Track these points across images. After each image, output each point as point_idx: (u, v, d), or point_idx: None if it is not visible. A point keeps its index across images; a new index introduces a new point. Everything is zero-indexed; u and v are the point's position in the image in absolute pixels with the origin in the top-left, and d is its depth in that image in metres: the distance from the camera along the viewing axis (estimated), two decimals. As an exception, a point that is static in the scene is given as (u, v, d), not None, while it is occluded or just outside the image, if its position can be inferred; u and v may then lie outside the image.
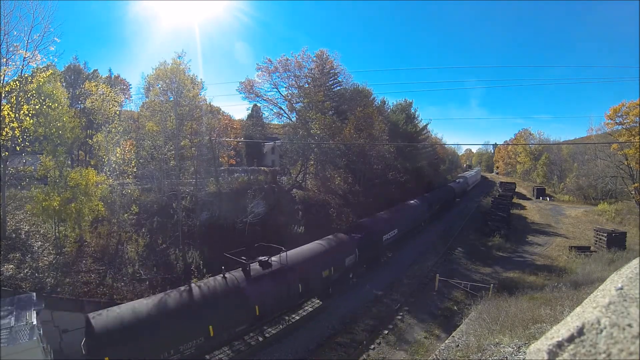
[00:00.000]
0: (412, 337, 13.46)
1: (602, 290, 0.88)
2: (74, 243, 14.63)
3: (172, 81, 18.10)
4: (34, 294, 9.95)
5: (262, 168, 31.98)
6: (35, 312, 8.65)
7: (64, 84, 23.71)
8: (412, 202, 28.57)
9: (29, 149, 13.86)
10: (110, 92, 19.67)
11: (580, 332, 0.74)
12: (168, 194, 18.50)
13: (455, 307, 15.65)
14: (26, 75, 13.87)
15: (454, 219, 34.39)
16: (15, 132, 12.85)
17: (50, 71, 15.11)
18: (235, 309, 11.15)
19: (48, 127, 14.04)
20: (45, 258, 13.55)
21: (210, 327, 10.23)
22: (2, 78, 13.24)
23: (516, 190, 51.94)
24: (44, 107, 13.77)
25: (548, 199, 48.40)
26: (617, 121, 34.74)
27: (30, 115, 13.15)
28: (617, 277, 0.91)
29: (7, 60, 13.29)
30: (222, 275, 11.90)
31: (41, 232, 14.85)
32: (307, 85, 31.36)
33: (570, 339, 0.75)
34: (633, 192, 34.38)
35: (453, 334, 10.40)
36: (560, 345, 0.76)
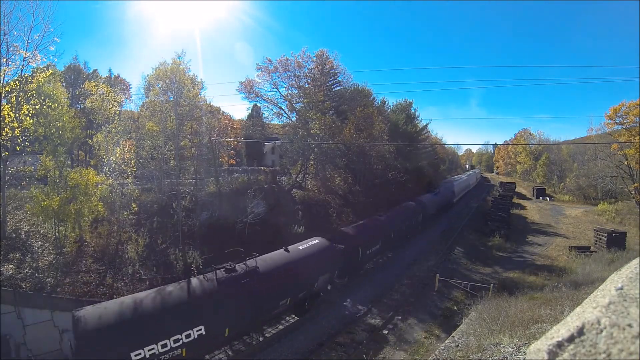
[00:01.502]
0: (412, 337, 13.46)
1: (602, 290, 0.89)
2: (74, 243, 14.61)
3: (172, 81, 18.09)
4: None
5: (262, 168, 31.94)
6: None
7: (64, 84, 23.68)
8: (302, 246, 14.36)
9: (29, 149, 13.83)
10: (110, 92, 19.62)
11: (580, 332, 0.74)
12: (168, 194, 18.47)
13: (455, 307, 15.65)
14: (26, 75, 13.84)
15: (452, 219, 34.37)
16: (15, 132, 12.83)
17: (50, 71, 15.07)
18: None
19: (48, 127, 14.02)
20: (45, 258, 13.54)
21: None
22: (2, 78, 13.23)
23: (516, 190, 51.98)
24: (44, 107, 13.75)
25: (548, 199, 48.41)
26: (617, 121, 34.83)
27: (30, 115, 13.14)
28: (617, 277, 0.91)
29: (7, 60, 13.28)
30: None
31: (41, 232, 14.84)
32: (307, 85, 31.35)
33: (570, 339, 0.75)
34: (633, 192, 34.40)
35: (453, 334, 10.38)
36: (560, 345, 0.76)
